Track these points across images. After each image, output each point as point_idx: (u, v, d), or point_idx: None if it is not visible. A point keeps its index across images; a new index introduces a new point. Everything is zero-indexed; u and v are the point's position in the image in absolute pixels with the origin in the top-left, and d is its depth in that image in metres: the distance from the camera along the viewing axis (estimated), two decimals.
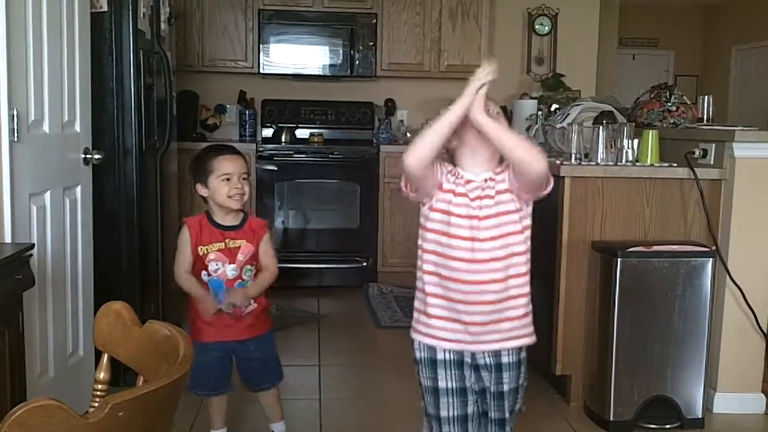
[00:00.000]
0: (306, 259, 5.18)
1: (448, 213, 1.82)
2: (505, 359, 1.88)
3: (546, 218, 3.17)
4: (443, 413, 1.88)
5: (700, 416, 2.95)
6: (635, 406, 2.90)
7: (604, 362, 2.92)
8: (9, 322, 2.01)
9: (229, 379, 2.51)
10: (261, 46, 5.34)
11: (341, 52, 5.42)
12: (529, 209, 1.87)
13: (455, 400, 1.88)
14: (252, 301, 2.43)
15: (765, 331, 3.08)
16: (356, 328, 4.36)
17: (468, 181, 1.84)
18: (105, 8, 3.09)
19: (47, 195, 2.60)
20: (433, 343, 1.87)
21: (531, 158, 1.74)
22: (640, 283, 2.88)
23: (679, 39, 9.56)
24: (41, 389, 2.43)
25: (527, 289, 1.88)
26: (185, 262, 2.40)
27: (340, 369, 3.68)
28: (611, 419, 2.90)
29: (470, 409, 1.90)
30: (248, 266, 2.41)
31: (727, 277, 3.04)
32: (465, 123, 1.77)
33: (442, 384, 1.87)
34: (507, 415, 1.91)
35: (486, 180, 1.84)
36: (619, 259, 2.86)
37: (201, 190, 2.42)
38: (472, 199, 1.82)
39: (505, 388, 1.89)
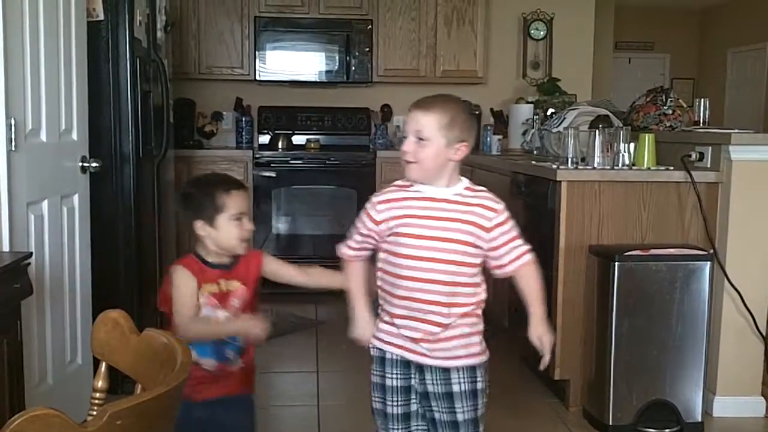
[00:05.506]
0: (303, 265, 5.16)
1: None
2: (456, 388, 1.85)
3: (543, 223, 3.18)
4: (389, 410, 1.93)
5: (699, 420, 2.94)
6: (634, 410, 2.90)
7: (603, 366, 2.92)
8: (7, 331, 2.01)
9: None
10: (257, 53, 5.35)
11: (337, 58, 5.42)
12: None
13: (400, 397, 1.92)
14: (239, 359, 2.00)
15: (764, 333, 3.08)
16: None
17: None
18: (101, 17, 3.09)
19: (45, 203, 2.60)
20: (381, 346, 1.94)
21: None
22: (637, 287, 2.88)
23: (674, 42, 9.60)
24: (40, 398, 2.43)
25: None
26: (191, 305, 1.91)
27: (338, 375, 3.66)
28: (610, 424, 2.90)
29: (413, 408, 1.92)
30: (244, 315, 1.97)
31: (725, 280, 3.04)
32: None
33: (389, 382, 1.92)
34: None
35: None
36: (616, 263, 2.86)
37: (202, 228, 1.95)
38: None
39: (459, 418, 1.86)
